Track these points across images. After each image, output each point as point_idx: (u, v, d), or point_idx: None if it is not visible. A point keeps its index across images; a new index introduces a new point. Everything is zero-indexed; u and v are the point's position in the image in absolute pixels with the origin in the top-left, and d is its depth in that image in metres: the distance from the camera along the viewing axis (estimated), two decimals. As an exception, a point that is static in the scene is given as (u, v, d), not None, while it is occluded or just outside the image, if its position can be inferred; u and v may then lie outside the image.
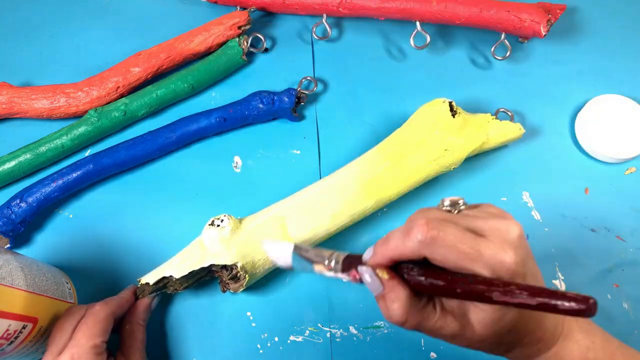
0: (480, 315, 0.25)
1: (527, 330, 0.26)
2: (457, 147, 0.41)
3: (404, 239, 0.25)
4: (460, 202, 0.27)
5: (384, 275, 0.26)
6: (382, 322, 0.41)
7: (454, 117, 0.41)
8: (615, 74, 0.50)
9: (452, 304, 0.27)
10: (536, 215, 0.44)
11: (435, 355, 0.40)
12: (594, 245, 0.43)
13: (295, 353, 0.40)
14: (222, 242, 0.37)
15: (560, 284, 0.42)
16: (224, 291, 0.39)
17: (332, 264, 0.28)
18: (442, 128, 0.41)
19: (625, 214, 0.44)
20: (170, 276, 0.37)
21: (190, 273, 0.37)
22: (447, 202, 0.27)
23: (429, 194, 0.45)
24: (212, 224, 0.37)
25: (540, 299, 0.21)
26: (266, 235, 0.38)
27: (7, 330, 0.30)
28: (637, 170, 0.46)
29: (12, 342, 0.31)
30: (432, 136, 0.40)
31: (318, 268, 0.28)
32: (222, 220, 0.37)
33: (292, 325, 0.41)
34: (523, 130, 0.44)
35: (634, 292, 0.42)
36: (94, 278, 0.42)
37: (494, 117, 0.44)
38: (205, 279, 0.40)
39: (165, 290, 0.38)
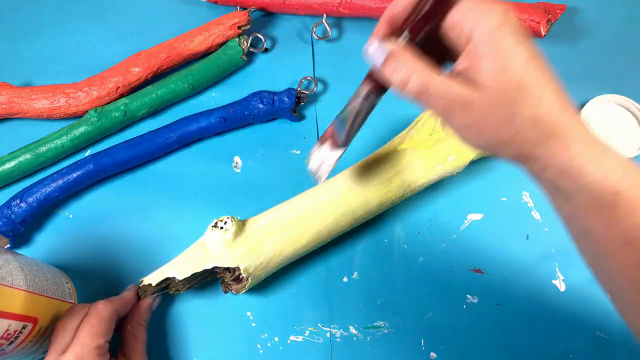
0: (488, 63, 0.25)
1: (531, 100, 0.26)
2: (461, 152, 0.41)
3: None
4: None
5: (389, 43, 0.26)
6: (382, 322, 0.41)
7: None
8: (615, 74, 0.50)
9: (461, 62, 0.26)
10: (536, 215, 0.44)
11: (435, 355, 0.40)
12: (594, 245, 0.43)
13: (295, 353, 0.40)
14: (225, 245, 0.37)
15: (560, 284, 0.42)
16: (225, 292, 0.39)
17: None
18: (447, 132, 0.40)
19: (625, 214, 0.44)
20: (173, 277, 0.37)
21: (192, 275, 0.37)
22: None
23: (430, 194, 0.45)
24: (215, 225, 0.37)
25: None
26: (269, 238, 0.38)
27: (7, 330, 0.30)
28: (637, 170, 0.46)
29: (12, 342, 0.31)
30: (437, 141, 0.40)
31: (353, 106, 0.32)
32: (225, 223, 0.37)
33: (292, 325, 0.41)
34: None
35: (633, 292, 0.42)
36: (94, 278, 0.42)
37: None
38: (207, 279, 0.40)
39: (168, 291, 0.38)
